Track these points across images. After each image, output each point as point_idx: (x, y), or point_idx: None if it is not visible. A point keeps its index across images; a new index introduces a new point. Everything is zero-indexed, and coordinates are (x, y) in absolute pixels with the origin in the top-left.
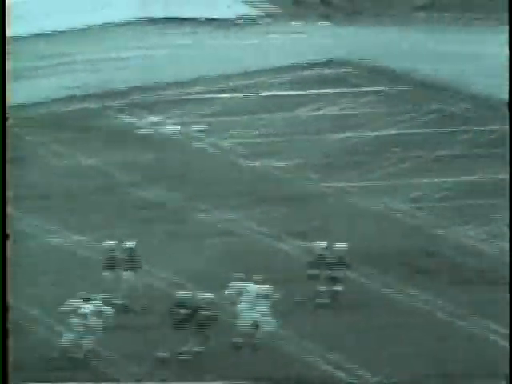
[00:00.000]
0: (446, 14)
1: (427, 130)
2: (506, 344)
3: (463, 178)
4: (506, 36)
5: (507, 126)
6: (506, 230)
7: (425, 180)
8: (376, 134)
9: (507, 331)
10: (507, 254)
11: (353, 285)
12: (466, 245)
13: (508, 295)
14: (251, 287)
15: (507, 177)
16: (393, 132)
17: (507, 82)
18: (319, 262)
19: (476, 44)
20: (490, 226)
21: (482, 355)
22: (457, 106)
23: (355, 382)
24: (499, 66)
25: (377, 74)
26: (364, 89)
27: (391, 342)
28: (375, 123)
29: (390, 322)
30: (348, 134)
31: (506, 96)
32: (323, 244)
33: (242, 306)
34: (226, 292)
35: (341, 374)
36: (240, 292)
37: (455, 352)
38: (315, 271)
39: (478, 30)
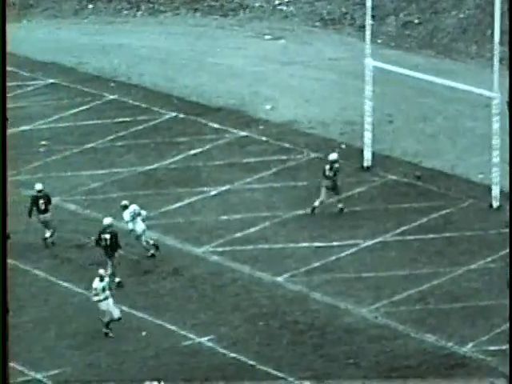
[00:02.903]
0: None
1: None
2: None
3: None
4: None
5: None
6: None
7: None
8: (53, 125)
9: None
10: None
11: None
12: None
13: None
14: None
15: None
16: (68, 124)
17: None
18: None
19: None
20: None
21: None
22: (133, 97)
23: None
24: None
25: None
26: (36, 82)
27: None
28: (49, 115)
29: None
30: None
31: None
32: None
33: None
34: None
35: None
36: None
37: None
38: None
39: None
